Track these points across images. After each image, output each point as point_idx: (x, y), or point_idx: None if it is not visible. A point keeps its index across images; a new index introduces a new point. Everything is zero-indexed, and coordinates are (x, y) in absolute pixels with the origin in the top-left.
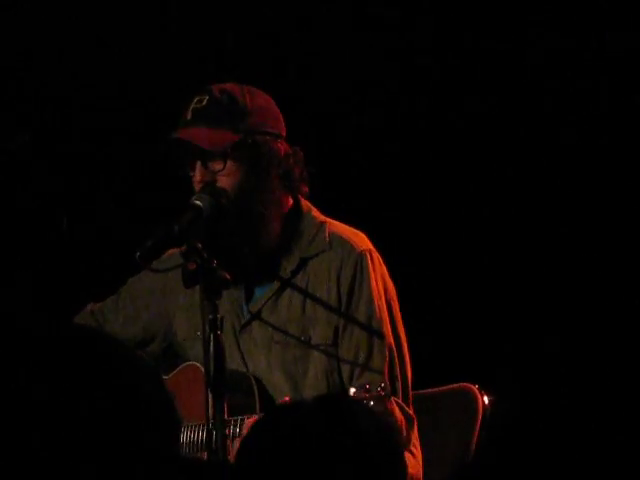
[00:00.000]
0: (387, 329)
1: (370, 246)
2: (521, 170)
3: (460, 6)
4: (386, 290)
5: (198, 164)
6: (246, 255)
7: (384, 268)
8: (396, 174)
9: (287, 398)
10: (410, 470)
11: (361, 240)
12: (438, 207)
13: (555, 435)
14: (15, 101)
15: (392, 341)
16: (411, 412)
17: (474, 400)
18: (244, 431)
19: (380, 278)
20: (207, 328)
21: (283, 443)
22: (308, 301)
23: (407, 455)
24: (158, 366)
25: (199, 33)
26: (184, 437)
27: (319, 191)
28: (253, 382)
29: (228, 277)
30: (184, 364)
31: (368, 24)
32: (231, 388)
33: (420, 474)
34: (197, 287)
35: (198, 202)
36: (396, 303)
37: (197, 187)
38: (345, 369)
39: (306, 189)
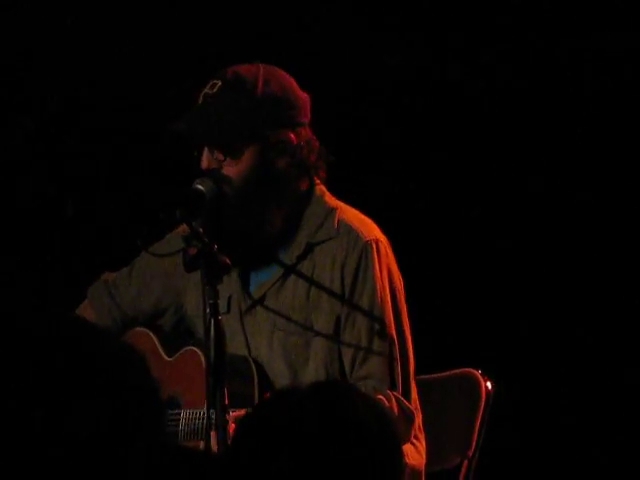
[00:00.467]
0: (389, 321)
1: (378, 235)
2: (527, 162)
3: (460, 6)
4: (391, 281)
5: (205, 150)
6: (248, 239)
7: (391, 258)
8: (400, 171)
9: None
10: (411, 461)
11: (369, 229)
12: (443, 196)
13: (557, 421)
14: (15, 101)
15: (394, 333)
16: (411, 406)
17: (477, 385)
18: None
19: (385, 269)
20: (208, 313)
21: (278, 429)
22: (313, 288)
23: (409, 446)
24: (144, 357)
25: (199, 33)
26: (182, 424)
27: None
28: (254, 370)
29: (228, 262)
30: (184, 348)
31: (368, 24)
32: (231, 375)
33: (422, 466)
34: None
35: (200, 186)
36: (402, 294)
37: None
38: (346, 359)
39: (323, 174)
